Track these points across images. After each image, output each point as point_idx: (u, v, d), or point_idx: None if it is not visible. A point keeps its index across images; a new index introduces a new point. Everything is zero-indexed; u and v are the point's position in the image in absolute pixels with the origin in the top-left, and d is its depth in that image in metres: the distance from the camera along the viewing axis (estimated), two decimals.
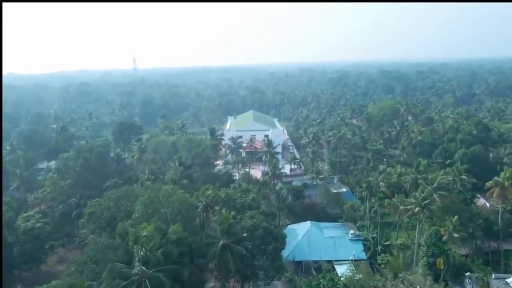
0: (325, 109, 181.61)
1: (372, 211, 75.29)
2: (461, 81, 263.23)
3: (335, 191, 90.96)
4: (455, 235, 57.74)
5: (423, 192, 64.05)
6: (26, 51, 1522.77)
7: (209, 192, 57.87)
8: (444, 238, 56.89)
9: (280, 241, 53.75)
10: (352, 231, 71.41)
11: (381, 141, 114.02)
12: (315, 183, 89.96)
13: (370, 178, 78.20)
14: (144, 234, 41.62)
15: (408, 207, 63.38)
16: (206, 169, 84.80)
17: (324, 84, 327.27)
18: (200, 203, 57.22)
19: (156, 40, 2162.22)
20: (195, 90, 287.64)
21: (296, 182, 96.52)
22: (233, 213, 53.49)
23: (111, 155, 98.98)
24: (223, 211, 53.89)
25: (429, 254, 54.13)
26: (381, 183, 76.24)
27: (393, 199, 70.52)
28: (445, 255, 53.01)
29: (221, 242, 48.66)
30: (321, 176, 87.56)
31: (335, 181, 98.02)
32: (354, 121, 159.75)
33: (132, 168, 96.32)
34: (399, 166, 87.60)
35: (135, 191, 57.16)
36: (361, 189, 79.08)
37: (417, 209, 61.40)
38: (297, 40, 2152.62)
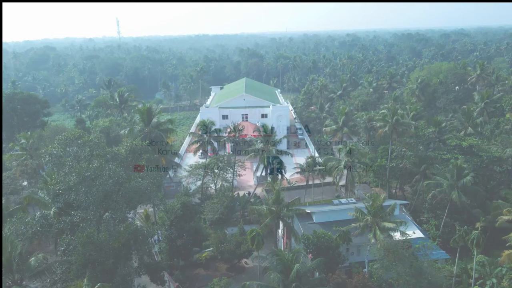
0: (346, 77, 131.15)
1: None
2: (510, 42, 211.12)
3: (402, 238, 43.30)
4: None
5: None
6: (12, 18, 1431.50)
7: None
8: None
9: None
10: None
11: (470, 130, 64.39)
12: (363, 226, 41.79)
13: None
14: None
15: None
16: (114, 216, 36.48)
17: (334, 49, 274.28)
18: None
19: (151, 6, 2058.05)
20: (179, 55, 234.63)
21: (320, 217, 48.98)
22: None
23: None
24: None
25: None
26: None
27: None
28: None
29: None
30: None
31: (396, 212, 50.03)
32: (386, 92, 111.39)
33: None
34: None
35: None
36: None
37: None
38: (295, 9, 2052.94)
